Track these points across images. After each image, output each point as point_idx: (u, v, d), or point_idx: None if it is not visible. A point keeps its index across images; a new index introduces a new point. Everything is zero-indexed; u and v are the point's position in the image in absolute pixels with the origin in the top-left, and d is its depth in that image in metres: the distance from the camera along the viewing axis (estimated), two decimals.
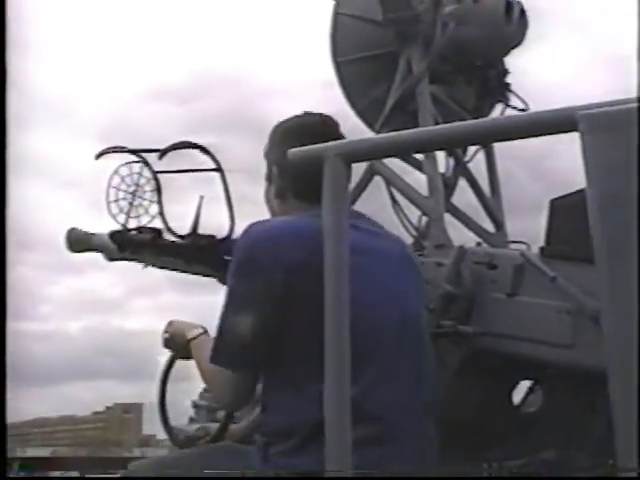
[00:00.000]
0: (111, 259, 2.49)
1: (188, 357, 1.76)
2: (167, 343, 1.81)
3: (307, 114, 1.68)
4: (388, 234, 1.70)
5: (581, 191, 2.27)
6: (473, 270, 2.35)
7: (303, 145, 1.09)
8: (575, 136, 0.81)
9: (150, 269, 2.38)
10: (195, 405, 1.96)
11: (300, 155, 1.10)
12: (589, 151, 0.80)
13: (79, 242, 2.57)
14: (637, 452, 0.72)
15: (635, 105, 0.75)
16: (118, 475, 4.06)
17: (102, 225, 2.61)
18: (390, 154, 1.84)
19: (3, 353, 1.14)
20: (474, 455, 2.39)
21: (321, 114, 1.72)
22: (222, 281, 2.36)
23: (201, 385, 1.80)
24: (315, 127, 1.60)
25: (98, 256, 2.47)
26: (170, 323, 1.82)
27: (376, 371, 1.40)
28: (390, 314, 1.49)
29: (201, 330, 1.74)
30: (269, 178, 1.68)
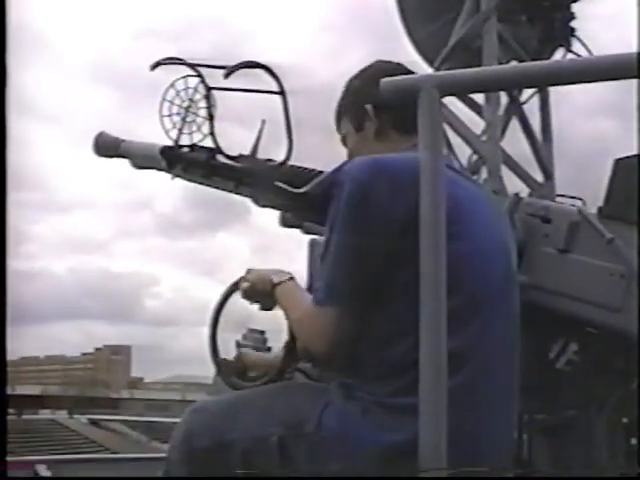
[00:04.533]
0: (138, 167, 2.45)
1: (270, 307, 1.59)
2: (247, 293, 1.59)
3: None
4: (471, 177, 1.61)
5: None
6: (526, 221, 2.31)
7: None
8: None
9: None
10: (239, 345, 1.79)
11: (394, 86, 1.04)
12: None
13: (107, 147, 2.52)
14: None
15: None
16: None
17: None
18: (484, 88, 1.70)
19: (3, 352, 1.12)
20: None
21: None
22: (262, 205, 2.32)
23: (246, 326, 1.63)
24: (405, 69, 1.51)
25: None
26: (249, 271, 1.62)
27: (481, 323, 1.31)
28: (497, 264, 1.42)
29: (288, 275, 1.55)
30: (360, 126, 1.59)
